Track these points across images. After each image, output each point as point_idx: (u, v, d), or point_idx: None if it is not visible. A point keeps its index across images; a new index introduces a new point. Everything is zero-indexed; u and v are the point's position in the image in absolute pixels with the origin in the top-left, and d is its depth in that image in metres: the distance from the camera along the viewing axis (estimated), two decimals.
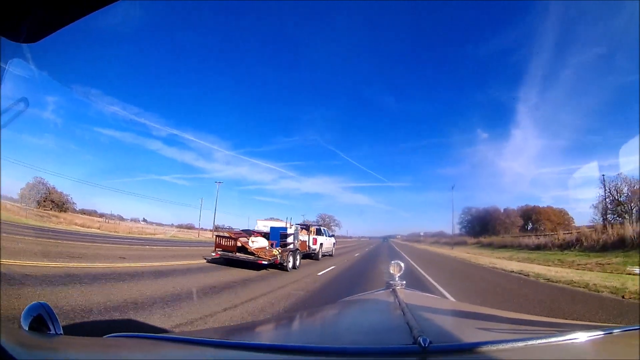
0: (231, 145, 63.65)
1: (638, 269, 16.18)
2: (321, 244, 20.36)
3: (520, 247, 38.26)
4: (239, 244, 13.63)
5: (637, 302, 9.90)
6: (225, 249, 13.76)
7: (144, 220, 43.20)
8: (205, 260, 14.67)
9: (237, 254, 13.45)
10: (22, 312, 1.21)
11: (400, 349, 1.28)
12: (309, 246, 18.81)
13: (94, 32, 28.52)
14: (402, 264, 3.17)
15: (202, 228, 43.61)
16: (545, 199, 52.05)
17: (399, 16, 49.17)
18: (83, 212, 38.38)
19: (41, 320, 1.21)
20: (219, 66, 53.48)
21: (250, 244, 13.64)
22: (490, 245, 44.05)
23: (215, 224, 52.35)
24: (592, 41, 37.27)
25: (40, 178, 33.91)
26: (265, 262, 13.22)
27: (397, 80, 56.42)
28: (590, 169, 32.67)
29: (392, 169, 69.37)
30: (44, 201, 33.78)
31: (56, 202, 34.78)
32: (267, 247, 14.05)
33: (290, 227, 16.86)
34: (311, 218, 55.12)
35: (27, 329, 1.19)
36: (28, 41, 1.66)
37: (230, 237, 14.10)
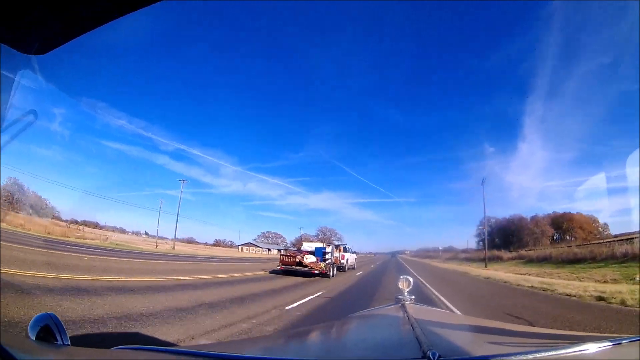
0: (238, 161, 64.61)
1: None
2: (347, 259, 26.23)
3: (616, 261, 24.02)
4: (297, 259, 19.78)
5: None
6: (287, 264, 19.91)
7: (146, 233, 43.53)
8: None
9: (296, 267, 19.53)
10: (30, 322, 1.21)
11: None
12: (339, 261, 24.45)
13: (101, 46, 29.21)
14: (411, 279, 3.17)
15: (160, 237, 44.11)
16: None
17: (405, 32, 49.94)
18: (85, 223, 38.55)
19: (48, 330, 1.21)
20: (226, 82, 54.41)
21: (305, 259, 19.71)
22: (546, 261, 31.71)
23: (216, 238, 52.84)
24: (597, 50, 37.62)
25: (15, 179, 33.49)
26: (317, 272, 19.34)
27: (403, 96, 57.13)
28: (598, 180, 32.35)
29: (399, 184, 69.76)
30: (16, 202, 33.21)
31: (32, 205, 34.11)
32: (316, 262, 19.99)
33: (328, 247, 23.00)
34: (311, 232, 55.29)
35: (34, 339, 1.18)
36: (38, 53, 1.68)
37: (291, 255, 20.52)
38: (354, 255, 30.09)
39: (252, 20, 52.70)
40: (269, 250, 57.23)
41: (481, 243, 49.43)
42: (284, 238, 57.75)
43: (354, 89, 59.37)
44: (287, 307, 9.66)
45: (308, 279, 18.32)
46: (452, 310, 12.34)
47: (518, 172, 60.52)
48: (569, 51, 41.86)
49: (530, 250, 39.01)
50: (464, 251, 50.45)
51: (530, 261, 34.83)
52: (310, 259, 19.87)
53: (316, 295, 12.11)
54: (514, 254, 39.70)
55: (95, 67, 38.76)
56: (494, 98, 54.95)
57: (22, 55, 1.64)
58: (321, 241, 33.52)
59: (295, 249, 25.54)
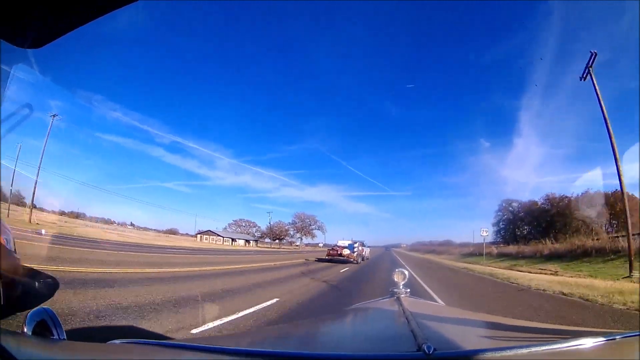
0: (234, 154, 64.07)
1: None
2: (365, 252, 34.18)
3: None
4: (339, 252, 28.98)
5: None
6: (332, 255, 29.04)
7: (132, 224, 42.48)
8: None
9: (338, 256, 28.50)
10: (26, 317, 1.21)
11: (405, 356, 1.28)
12: (361, 253, 32.31)
13: (96, 38, 28.85)
14: (406, 272, 3.19)
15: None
16: None
17: (402, 26, 49.60)
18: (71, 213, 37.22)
19: (44, 325, 1.21)
20: (222, 74, 53.94)
21: (343, 252, 28.90)
22: None
23: (200, 229, 46.91)
24: (594, 47, 37.28)
25: None
26: (351, 260, 28.11)
27: (399, 90, 56.56)
28: (594, 176, 31.55)
29: (395, 178, 69.50)
30: None
31: None
32: (350, 253, 29.03)
33: (356, 244, 31.15)
34: (286, 219, 52.29)
35: (30, 333, 1.19)
36: (33, 46, 1.67)
37: (334, 249, 29.66)
38: (369, 249, 38.09)
39: (248, 13, 52.32)
40: (234, 240, 47.58)
41: (499, 235, 38.33)
42: (259, 227, 51.10)
43: (351, 82, 59.03)
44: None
45: (343, 264, 26.38)
46: None
47: (513, 167, 60.18)
48: (567, 47, 41.63)
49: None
50: (465, 245, 41.28)
51: None
52: (346, 252, 29.28)
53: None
54: None
55: (91, 60, 38.44)
56: (490, 93, 54.81)
57: (17, 49, 1.63)
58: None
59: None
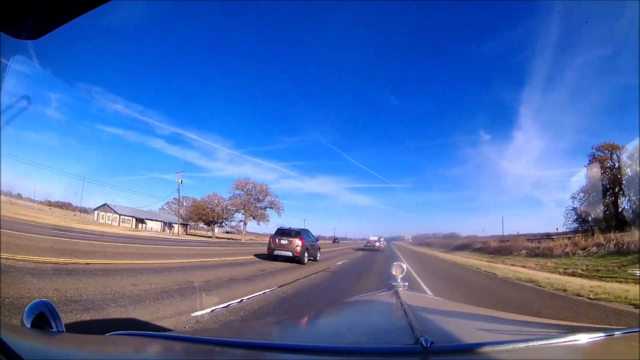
0: (234, 145, 64.46)
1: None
2: (385, 244, 44.37)
3: None
4: (372, 244, 41.67)
5: None
6: (368, 246, 41.22)
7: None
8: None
9: (372, 247, 40.83)
10: (25, 310, 1.21)
11: (402, 349, 1.28)
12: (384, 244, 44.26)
13: (96, 29, 28.73)
14: (405, 265, 3.20)
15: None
16: (547, 202, 49.11)
17: (403, 18, 49.31)
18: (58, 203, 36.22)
19: (43, 318, 1.22)
20: (223, 66, 53.96)
21: (376, 244, 41.48)
22: None
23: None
24: (595, 42, 37.23)
25: None
26: (380, 250, 39.49)
27: (400, 82, 56.59)
28: (594, 171, 31.36)
29: (395, 170, 70.08)
30: None
31: None
32: (379, 245, 41.59)
33: (381, 239, 43.62)
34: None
35: (29, 326, 1.19)
36: (30, 38, 1.65)
37: (370, 242, 42.41)
38: (385, 243, 46.93)
39: (247, 4, 52.03)
40: (140, 221, 33.10)
41: (574, 219, 22.64)
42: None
43: (351, 74, 59.16)
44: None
45: (375, 251, 37.08)
46: None
47: (513, 160, 60.22)
48: (568, 42, 41.47)
49: None
50: (471, 237, 39.09)
51: None
52: (377, 244, 41.14)
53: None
54: None
55: (91, 52, 38.39)
56: (491, 86, 54.84)
57: (14, 40, 1.61)
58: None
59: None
